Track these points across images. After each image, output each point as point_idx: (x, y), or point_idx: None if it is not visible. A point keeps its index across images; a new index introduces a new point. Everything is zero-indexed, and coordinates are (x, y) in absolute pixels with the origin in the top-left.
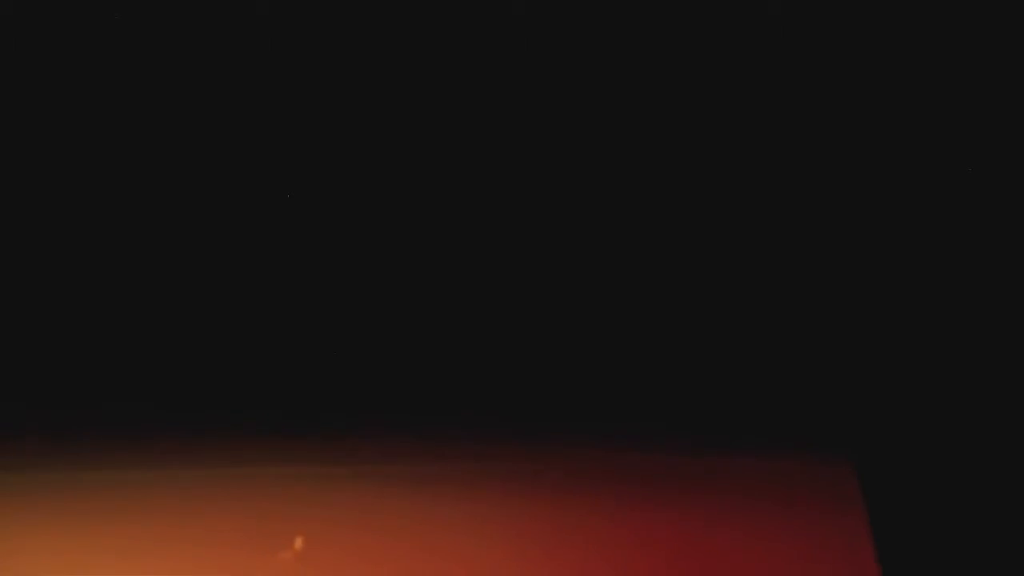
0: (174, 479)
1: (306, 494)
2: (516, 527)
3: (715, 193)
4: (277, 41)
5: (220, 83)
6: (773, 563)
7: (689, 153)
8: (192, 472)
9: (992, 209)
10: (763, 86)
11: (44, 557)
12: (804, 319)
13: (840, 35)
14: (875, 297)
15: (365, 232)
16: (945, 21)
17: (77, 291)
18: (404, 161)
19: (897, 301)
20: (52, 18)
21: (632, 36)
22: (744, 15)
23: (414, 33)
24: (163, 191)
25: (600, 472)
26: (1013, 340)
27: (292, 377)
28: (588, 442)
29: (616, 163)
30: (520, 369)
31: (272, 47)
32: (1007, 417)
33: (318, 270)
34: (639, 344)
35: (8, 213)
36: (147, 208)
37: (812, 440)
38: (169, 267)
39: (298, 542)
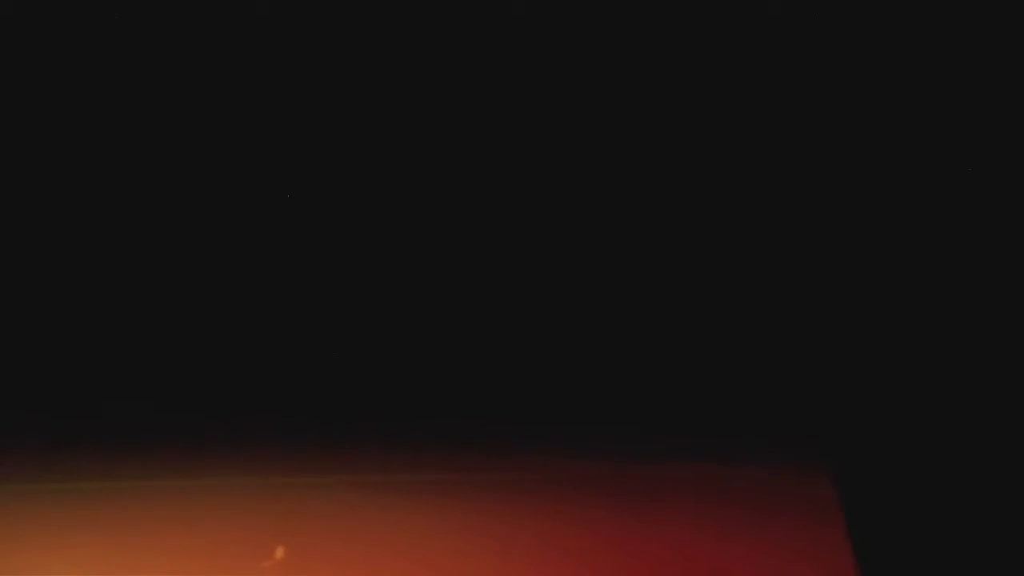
0: (158, 489)
1: (287, 504)
2: (497, 537)
3: (699, 202)
4: (277, 41)
5: (220, 83)
6: (750, 572)
7: (683, 160)
8: (173, 483)
9: (975, 218)
10: (763, 86)
11: (31, 567)
12: (780, 327)
13: (840, 35)
14: (852, 305)
15: (355, 244)
16: (945, 21)
17: (61, 311)
18: (398, 165)
19: (874, 308)
20: (52, 18)
21: (632, 36)
22: (744, 15)
23: (414, 33)
24: (159, 195)
25: (577, 482)
26: (992, 349)
27: (275, 387)
28: (563, 451)
29: (612, 168)
30: (498, 379)
31: (272, 47)
32: (986, 425)
33: (306, 281)
34: (614, 353)
35: (6, 219)
36: (143, 218)
37: (789, 448)
38: (159, 281)
39: (279, 552)
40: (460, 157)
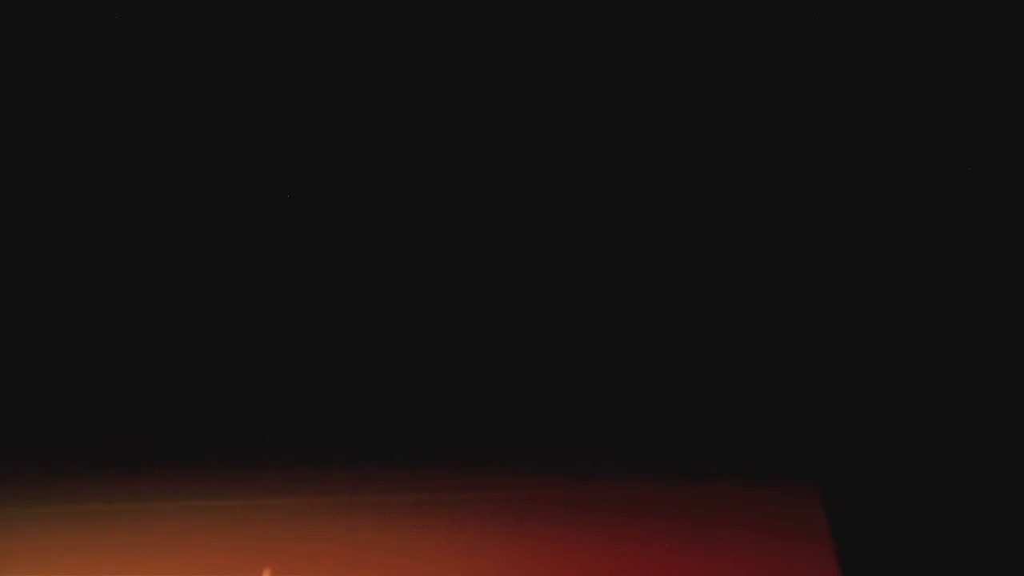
0: (141, 512)
1: (278, 525)
2: (476, 556)
3: (693, 223)
4: (277, 41)
5: (220, 83)
6: None
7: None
8: (164, 504)
9: (965, 225)
10: (763, 86)
11: None
12: (768, 347)
13: (840, 35)
14: (840, 324)
15: (345, 263)
16: (945, 21)
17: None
18: (392, 172)
19: (862, 327)
20: (52, 18)
21: (632, 35)
22: (744, 15)
23: (414, 33)
24: (150, 213)
25: (561, 501)
26: (979, 363)
27: (265, 408)
28: (547, 471)
29: (611, 182)
30: (491, 399)
31: (272, 47)
32: (974, 443)
33: (290, 306)
34: (603, 374)
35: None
36: (133, 244)
37: (776, 466)
38: (148, 305)
39: (267, 574)
40: (453, 168)
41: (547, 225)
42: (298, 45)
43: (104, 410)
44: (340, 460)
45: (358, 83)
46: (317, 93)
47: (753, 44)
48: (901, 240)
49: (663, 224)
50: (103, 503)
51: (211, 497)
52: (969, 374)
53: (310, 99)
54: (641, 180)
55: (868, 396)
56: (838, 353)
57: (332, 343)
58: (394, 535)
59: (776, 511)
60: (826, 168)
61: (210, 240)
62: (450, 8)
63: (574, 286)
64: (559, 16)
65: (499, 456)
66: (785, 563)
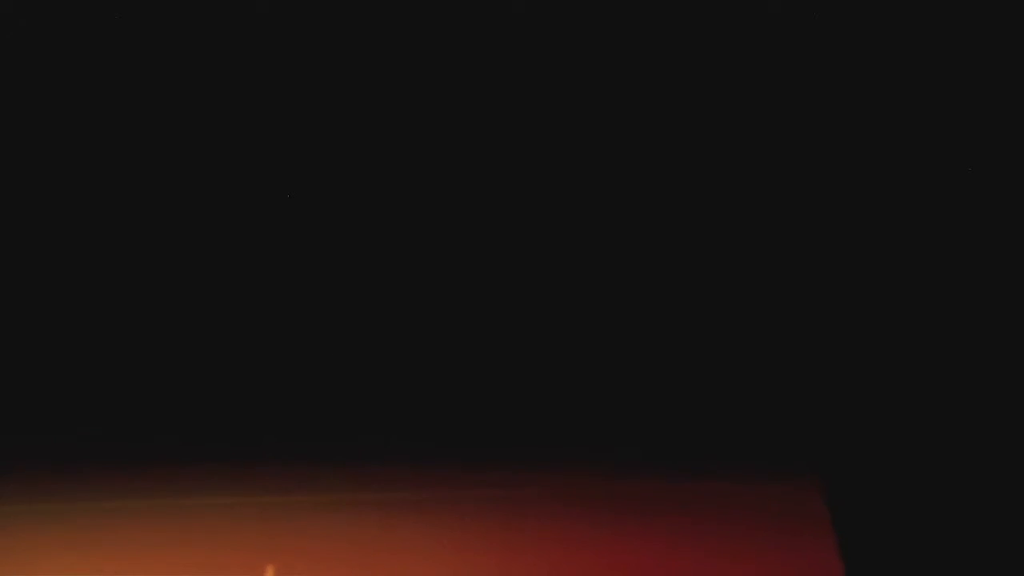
0: (145, 509)
1: (281, 523)
2: (490, 554)
3: (694, 226)
4: (277, 41)
5: (220, 83)
6: None
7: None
8: (166, 502)
9: (966, 230)
10: (763, 86)
11: None
12: (770, 346)
13: (840, 35)
14: (841, 323)
15: (346, 263)
16: (945, 21)
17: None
18: (387, 176)
19: (863, 323)
20: (52, 18)
21: (632, 35)
22: (744, 15)
23: (414, 33)
24: (154, 205)
25: (568, 498)
26: (980, 362)
27: (268, 407)
28: (553, 468)
29: (609, 187)
30: (492, 397)
31: (272, 47)
32: (976, 440)
33: (296, 304)
34: (607, 372)
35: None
36: (134, 246)
37: (778, 462)
38: (150, 306)
39: (269, 572)
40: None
41: (548, 224)
42: (298, 45)
43: (105, 409)
44: (342, 458)
45: (358, 83)
46: (317, 93)
47: (753, 44)
48: (903, 238)
49: (668, 223)
50: (105, 501)
51: (214, 495)
52: (971, 373)
53: (310, 99)
54: (642, 179)
55: (871, 394)
56: (841, 351)
57: (334, 342)
58: (396, 533)
59: (779, 508)
60: (827, 167)
61: (212, 241)
62: (450, 8)
63: (576, 285)
64: (559, 16)
65: (501, 454)
66: (788, 560)
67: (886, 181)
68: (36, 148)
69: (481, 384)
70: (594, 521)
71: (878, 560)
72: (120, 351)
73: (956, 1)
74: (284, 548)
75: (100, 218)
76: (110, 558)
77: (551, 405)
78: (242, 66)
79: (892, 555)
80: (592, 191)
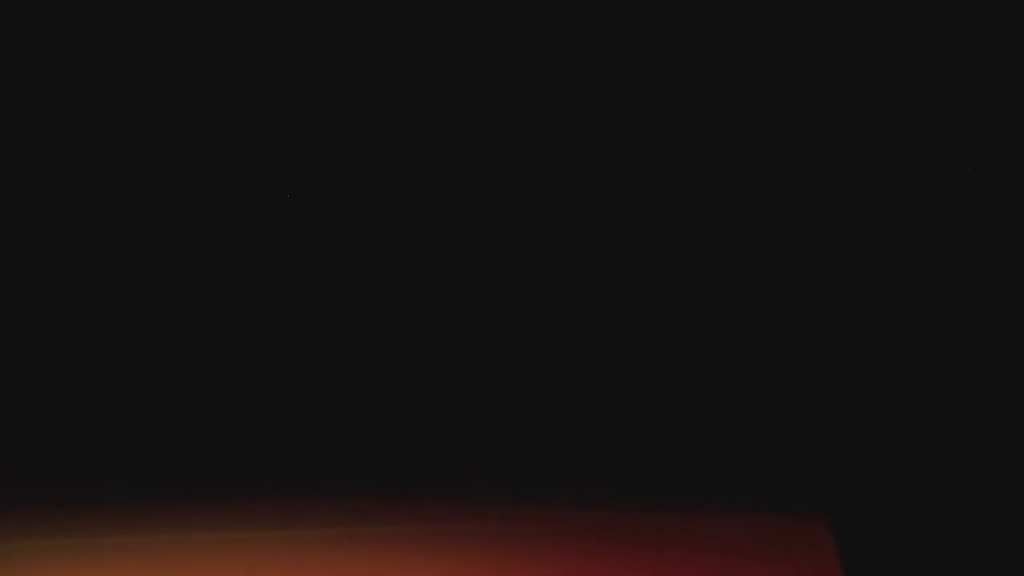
0: (150, 544)
1: (280, 557)
2: None
3: (691, 241)
4: (277, 41)
5: (220, 83)
6: None
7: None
8: (162, 537)
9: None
10: (763, 86)
11: None
12: (773, 371)
13: (840, 35)
14: (847, 349)
15: (343, 292)
16: (945, 21)
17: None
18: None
19: (871, 352)
20: (52, 18)
21: (632, 35)
22: (744, 15)
23: (414, 33)
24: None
25: (569, 532)
26: (992, 391)
27: (264, 440)
28: (555, 501)
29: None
30: (493, 430)
31: (272, 47)
32: (983, 471)
33: (290, 338)
34: (607, 401)
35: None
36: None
37: (784, 495)
38: (143, 339)
39: None
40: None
41: (548, 243)
42: (298, 45)
43: (105, 443)
44: (342, 492)
45: (358, 83)
46: (316, 93)
47: (753, 44)
48: (910, 258)
49: (668, 234)
50: (104, 537)
51: (213, 530)
52: (982, 403)
53: (309, 100)
54: (639, 185)
55: (880, 425)
56: (849, 382)
57: (332, 375)
58: (397, 567)
59: (785, 541)
60: (827, 172)
61: (211, 271)
62: (450, 8)
63: (577, 316)
64: (559, 16)
65: (502, 486)
66: None
67: (886, 184)
68: (36, 148)
69: (482, 417)
70: (597, 554)
71: None
72: (119, 386)
73: (956, 1)
74: None
75: (99, 237)
76: None
77: (554, 437)
78: (242, 66)
79: None
80: (584, 204)
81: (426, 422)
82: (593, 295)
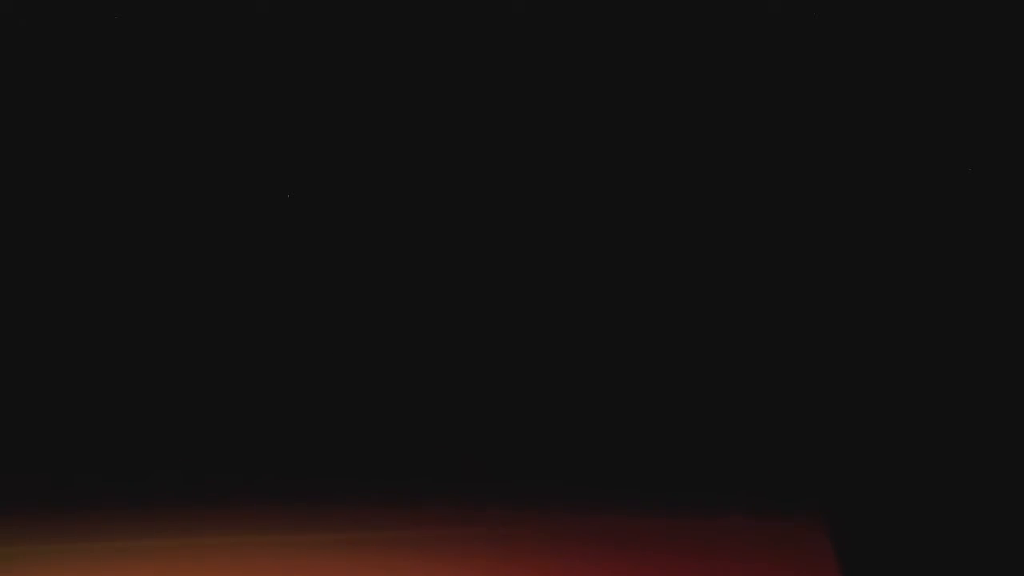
0: (151, 549)
1: (281, 562)
2: None
3: (690, 248)
4: (277, 41)
5: (220, 83)
6: None
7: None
8: (166, 542)
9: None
10: (763, 86)
11: None
12: (772, 374)
13: (840, 35)
14: (845, 352)
15: (331, 303)
16: (945, 21)
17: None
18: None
19: (870, 357)
20: (52, 18)
21: (632, 35)
22: (744, 15)
23: (414, 33)
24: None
25: (568, 537)
26: (993, 395)
27: (267, 446)
28: (556, 506)
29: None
30: (493, 434)
31: (272, 47)
32: (982, 473)
33: (291, 344)
34: (606, 405)
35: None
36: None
37: (782, 498)
38: (143, 345)
39: None
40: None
41: (541, 240)
42: (298, 45)
43: (106, 448)
44: (343, 497)
45: (358, 83)
46: (316, 94)
47: (753, 44)
48: (908, 259)
49: (666, 236)
50: (105, 541)
51: (214, 534)
52: (981, 405)
53: (309, 100)
54: (640, 186)
55: (878, 428)
56: (845, 382)
57: (334, 380)
58: (398, 571)
59: (783, 545)
60: (827, 172)
61: (210, 278)
62: (450, 8)
63: (573, 320)
64: (559, 16)
65: (503, 491)
66: None
67: (886, 187)
68: (36, 148)
69: (483, 423)
70: (596, 558)
71: None
72: (122, 390)
73: (956, 1)
74: None
75: (98, 238)
76: None
77: (554, 442)
78: (242, 66)
79: None
80: (582, 209)
81: (427, 428)
82: (591, 300)
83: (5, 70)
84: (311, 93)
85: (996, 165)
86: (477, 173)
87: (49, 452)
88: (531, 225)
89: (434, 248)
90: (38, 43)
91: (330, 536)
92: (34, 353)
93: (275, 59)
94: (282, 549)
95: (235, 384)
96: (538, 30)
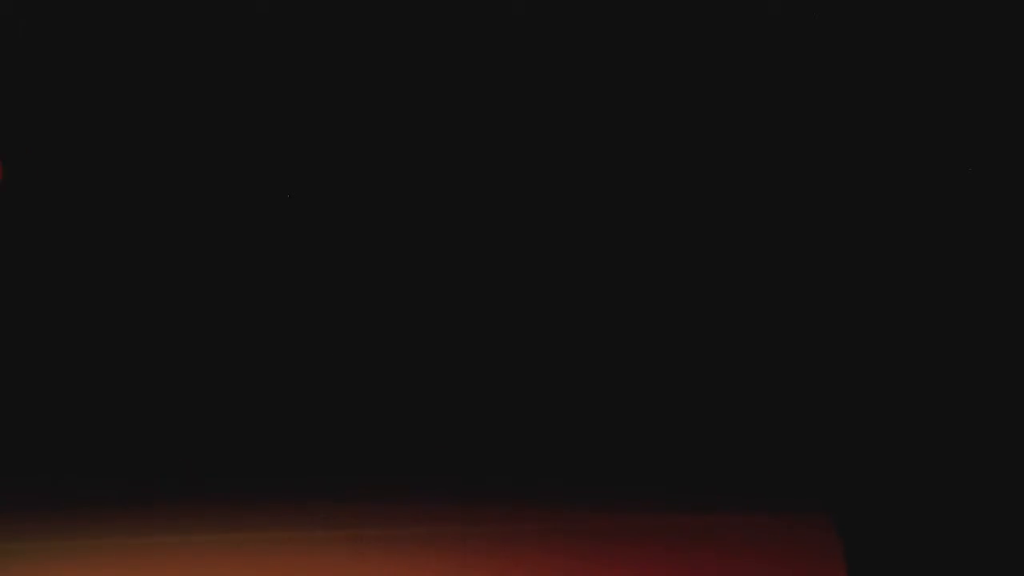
0: (151, 547)
1: (285, 559)
2: None
3: (696, 249)
4: (277, 41)
5: (220, 83)
6: None
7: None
8: (172, 539)
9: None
10: (763, 86)
11: None
12: (776, 373)
13: (840, 35)
14: (849, 351)
15: (337, 307)
16: (945, 21)
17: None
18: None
19: (875, 353)
20: (52, 18)
21: (632, 36)
22: (744, 15)
23: (414, 33)
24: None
25: (578, 532)
26: (998, 393)
27: (268, 445)
28: (563, 503)
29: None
30: (494, 433)
31: (272, 47)
32: (990, 467)
33: (290, 344)
34: (616, 406)
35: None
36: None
37: (788, 495)
38: (140, 347)
39: None
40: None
41: (540, 241)
42: (298, 45)
43: (103, 447)
44: (344, 494)
45: (358, 83)
46: (316, 93)
47: (753, 44)
48: (910, 260)
49: (668, 237)
50: (103, 538)
51: (215, 532)
52: (983, 403)
53: (309, 100)
54: (640, 187)
55: (885, 425)
56: (853, 383)
57: (334, 379)
58: (399, 568)
59: (789, 541)
60: (828, 173)
61: (209, 280)
62: (450, 8)
63: (578, 322)
64: (559, 16)
65: (504, 489)
66: None
67: (887, 184)
68: (36, 147)
69: (483, 420)
70: (599, 555)
71: None
72: (119, 391)
73: (956, 1)
74: None
75: (98, 240)
76: None
77: (556, 441)
78: (242, 66)
79: None
80: (581, 207)
81: (427, 428)
82: (593, 301)
83: (5, 70)
84: (311, 93)
85: (996, 165)
86: (477, 173)
87: (50, 452)
88: (531, 226)
89: (435, 252)
90: (38, 43)
91: (330, 533)
92: (35, 355)
93: (275, 59)
94: (282, 546)
95: (236, 384)
96: (538, 30)
